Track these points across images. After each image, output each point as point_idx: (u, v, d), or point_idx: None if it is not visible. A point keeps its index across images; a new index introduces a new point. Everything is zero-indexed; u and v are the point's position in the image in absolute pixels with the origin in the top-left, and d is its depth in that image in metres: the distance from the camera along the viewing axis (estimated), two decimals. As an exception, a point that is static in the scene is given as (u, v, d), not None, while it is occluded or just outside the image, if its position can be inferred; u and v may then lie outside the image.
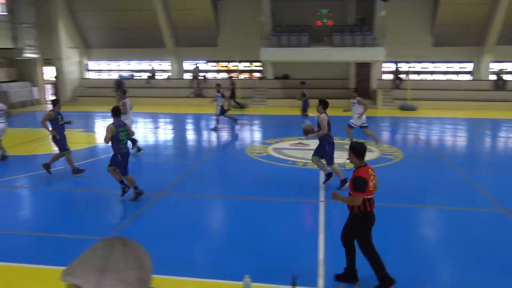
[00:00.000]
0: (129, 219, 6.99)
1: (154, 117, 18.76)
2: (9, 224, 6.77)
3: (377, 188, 4.67)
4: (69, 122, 9.69)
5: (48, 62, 23.19)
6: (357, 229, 4.59)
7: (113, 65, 25.80)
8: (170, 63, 24.53)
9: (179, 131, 15.71)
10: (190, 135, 15.17)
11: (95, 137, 14.58)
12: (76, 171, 9.18)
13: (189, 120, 18.48)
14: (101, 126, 17.19)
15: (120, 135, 7.48)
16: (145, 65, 25.44)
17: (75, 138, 14.00)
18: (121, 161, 7.52)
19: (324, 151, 8.00)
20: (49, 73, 24.02)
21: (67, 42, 23.34)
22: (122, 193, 7.67)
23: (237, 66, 23.33)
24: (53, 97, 9.23)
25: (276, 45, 21.92)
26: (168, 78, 24.59)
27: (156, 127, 16.62)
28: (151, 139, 14.11)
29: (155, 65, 25.22)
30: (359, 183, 4.43)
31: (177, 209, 7.47)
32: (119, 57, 25.32)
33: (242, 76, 23.99)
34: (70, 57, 23.81)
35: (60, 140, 9.25)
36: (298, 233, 6.29)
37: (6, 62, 22.17)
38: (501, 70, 22.35)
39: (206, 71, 24.64)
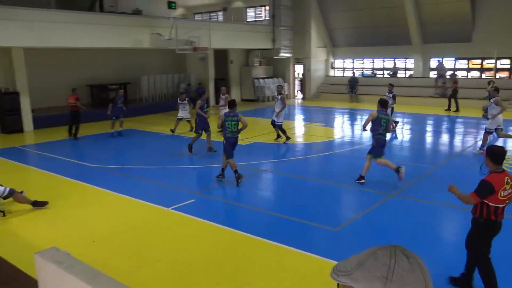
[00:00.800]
0: (359, 214, 7.05)
1: (393, 116, 18.29)
2: (254, 202, 7.78)
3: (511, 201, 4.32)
4: (207, 112, 11.88)
5: (298, 61, 25.43)
6: (476, 235, 4.41)
7: (356, 63, 26.36)
8: (413, 61, 23.46)
9: (418, 132, 14.89)
10: (429, 137, 14.19)
11: (333, 132, 15.22)
12: (210, 149, 11.29)
13: (430, 122, 17.33)
14: (339, 122, 17.86)
15: (227, 123, 8.38)
16: (388, 63, 25.05)
17: (315, 131, 14.99)
18: (226, 145, 8.48)
19: (372, 146, 8.58)
20: (298, 70, 26.34)
21: (316, 42, 25.06)
22: (237, 182, 8.37)
23: (494, 63, 20.49)
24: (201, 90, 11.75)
25: (550, 38, 18.26)
26: (411, 77, 23.58)
27: (393, 126, 16.17)
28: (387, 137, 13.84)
29: (398, 63, 24.56)
30: (483, 188, 4.25)
31: (406, 212, 7.13)
32: (363, 55, 25.67)
33: (499, 75, 20.97)
34: (318, 56, 25.49)
35: (199, 123, 11.33)
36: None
37: (265, 60, 25.40)
38: None
39: (455, 69, 22.54)
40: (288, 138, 12.54)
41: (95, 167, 10.29)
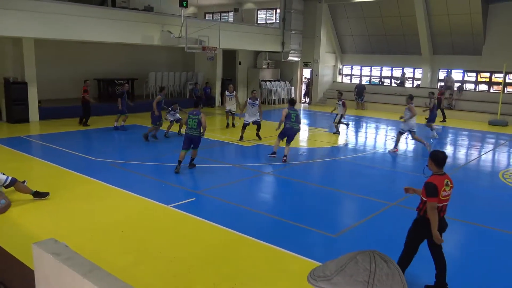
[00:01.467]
0: (359, 221, 7.03)
1: (398, 125, 18.23)
2: (254, 204, 7.78)
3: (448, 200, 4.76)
4: (165, 107, 13.31)
5: (306, 65, 25.42)
6: (415, 229, 4.85)
7: (364, 70, 26.30)
8: (422, 71, 23.39)
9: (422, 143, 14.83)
10: (434, 149, 14.11)
11: (337, 138, 15.20)
12: (145, 138, 12.30)
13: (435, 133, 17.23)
14: (343, 128, 17.85)
15: (189, 120, 9.31)
16: (396, 72, 24.99)
17: (319, 137, 14.98)
18: (184, 139, 9.44)
19: (282, 131, 10.78)
20: (305, 75, 26.30)
21: (325, 47, 25.04)
22: (176, 169, 9.34)
23: (502, 78, 20.40)
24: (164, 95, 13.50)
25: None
26: (418, 87, 23.52)
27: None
28: (391, 147, 13.81)
29: (407, 72, 24.49)
30: (430, 189, 4.64)
31: (406, 221, 7.09)
32: (371, 63, 25.63)
33: (507, 89, 20.87)
34: (326, 61, 25.46)
35: (156, 117, 12.41)
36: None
37: (273, 63, 25.41)
38: None
39: (463, 82, 22.46)
40: (241, 138, 13.13)
41: (98, 160, 10.33)
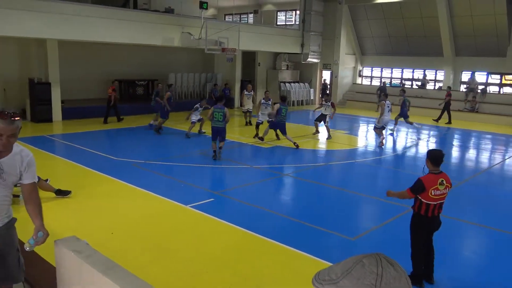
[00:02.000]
0: (378, 225, 6.96)
1: (419, 128, 17.99)
2: (272, 205, 7.78)
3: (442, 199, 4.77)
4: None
5: (325, 67, 25.29)
6: (412, 226, 4.89)
7: (385, 72, 26.02)
8: (444, 73, 23.00)
9: (445, 146, 14.60)
10: (455, 152, 13.85)
11: (356, 140, 15.07)
12: (157, 129, 13.76)
13: (457, 136, 16.97)
14: (363, 130, 17.69)
15: (215, 114, 10.38)
16: (417, 74, 24.64)
17: (338, 139, 14.87)
18: (212, 131, 10.52)
19: (272, 123, 12.56)
20: (324, 76, 26.16)
21: (345, 48, 24.87)
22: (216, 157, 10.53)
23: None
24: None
25: None
26: (440, 89, 23.14)
27: (419, 139, 15.90)
28: (412, 150, 13.63)
29: (428, 74, 24.13)
30: (415, 185, 4.74)
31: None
32: (391, 64, 25.34)
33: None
34: (346, 63, 25.29)
35: (165, 112, 13.78)
36: None
37: (293, 65, 25.36)
38: None
39: (487, 84, 22.00)
40: (260, 137, 13.21)
41: (119, 160, 10.49)
